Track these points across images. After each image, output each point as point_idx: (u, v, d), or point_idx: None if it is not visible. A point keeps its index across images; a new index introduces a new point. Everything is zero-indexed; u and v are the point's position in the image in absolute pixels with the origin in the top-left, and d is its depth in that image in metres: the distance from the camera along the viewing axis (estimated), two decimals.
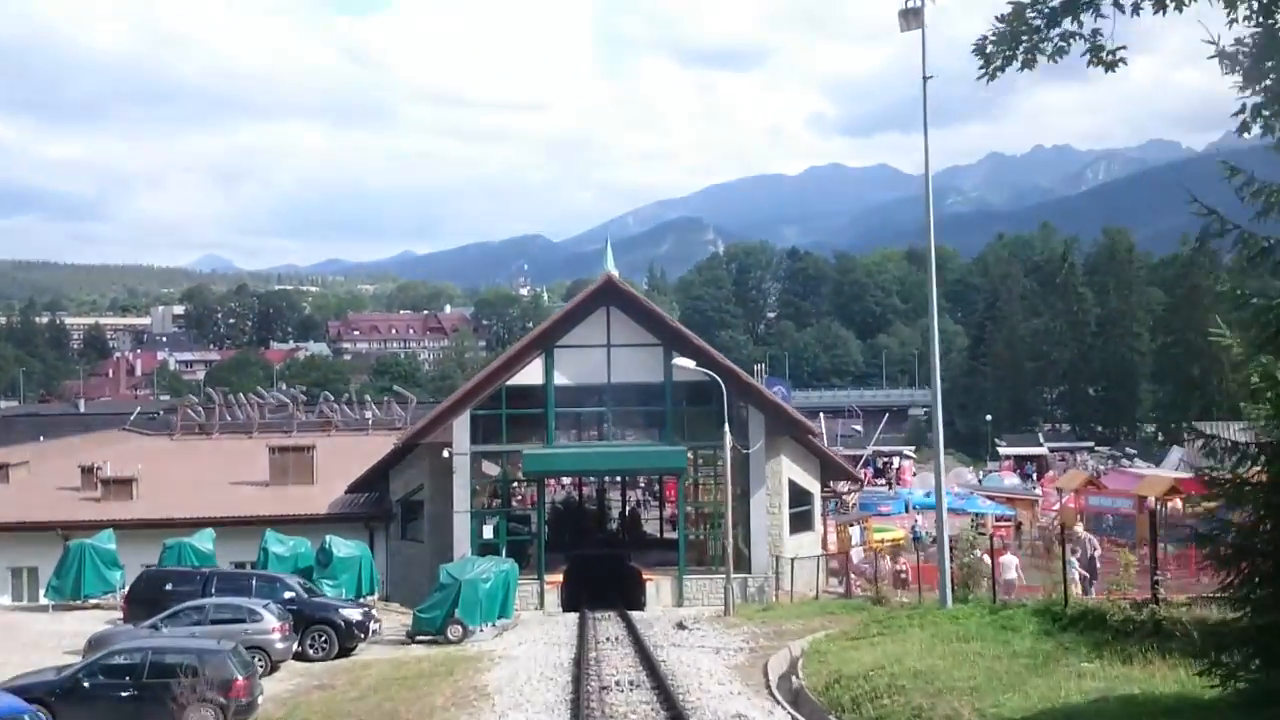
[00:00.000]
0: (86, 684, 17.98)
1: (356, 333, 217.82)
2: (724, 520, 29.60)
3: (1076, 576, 23.94)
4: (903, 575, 32.01)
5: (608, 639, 25.32)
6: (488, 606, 26.46)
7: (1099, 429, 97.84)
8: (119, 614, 27.65)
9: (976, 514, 49.18)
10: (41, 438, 60.68)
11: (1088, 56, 9.84)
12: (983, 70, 9.41)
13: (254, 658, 20.53)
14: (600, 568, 35.49)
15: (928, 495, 55.87)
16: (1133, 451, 75.84)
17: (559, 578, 33.01)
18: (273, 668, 22.33)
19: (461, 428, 32.48)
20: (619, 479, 47.62)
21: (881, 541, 44.10)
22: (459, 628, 25.95)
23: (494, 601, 26.66)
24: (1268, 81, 9.87)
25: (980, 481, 65.43)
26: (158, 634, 21.68)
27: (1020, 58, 9.67)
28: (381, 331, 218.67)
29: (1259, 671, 11.23)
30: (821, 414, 71.35)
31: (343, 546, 31.19)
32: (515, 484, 40.78)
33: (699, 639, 24.55)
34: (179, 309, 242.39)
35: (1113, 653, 15.42)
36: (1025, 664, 15.85)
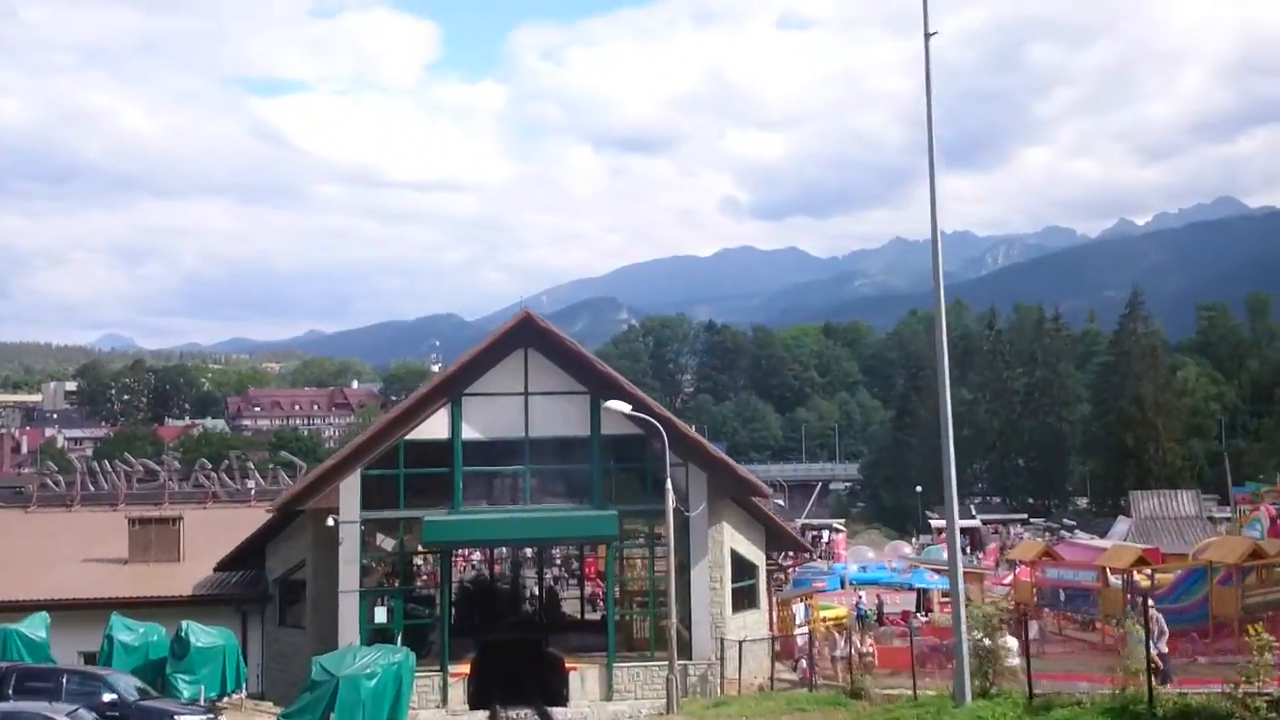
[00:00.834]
0: None
1: (257, 409, 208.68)
2: (666, 596, 25.01)
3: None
4: (869, 659, 27.69)
5: None
6: (373, 708, 21.41)
7: (1030, 501, 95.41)
8: None
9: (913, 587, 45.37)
10: None
11: None
12: None
13: None
14: (515, 655, 30.60)
15: (863, 569, 51.93)
16: (1071, 523, 73.17)
17: (466, 668, 28.04)
18: None
19: (350, 491, 27.52)
20: (533, 552, 42.67)
21: (825, 620, 39.96)
22: None
23: (381, 702, 21.62)
24: None
25: (918, 555, 61.68)
26: None
27: None
28: (284, 407, 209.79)
29: None
30: None
31: (203, 635, 25.94)
32: (417, 559, 35.66)
33: None
34: (71, 385, 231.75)
35: None
36: None
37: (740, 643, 27.88)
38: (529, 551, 51.83)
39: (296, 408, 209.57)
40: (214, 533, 35.30)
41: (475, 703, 27.31)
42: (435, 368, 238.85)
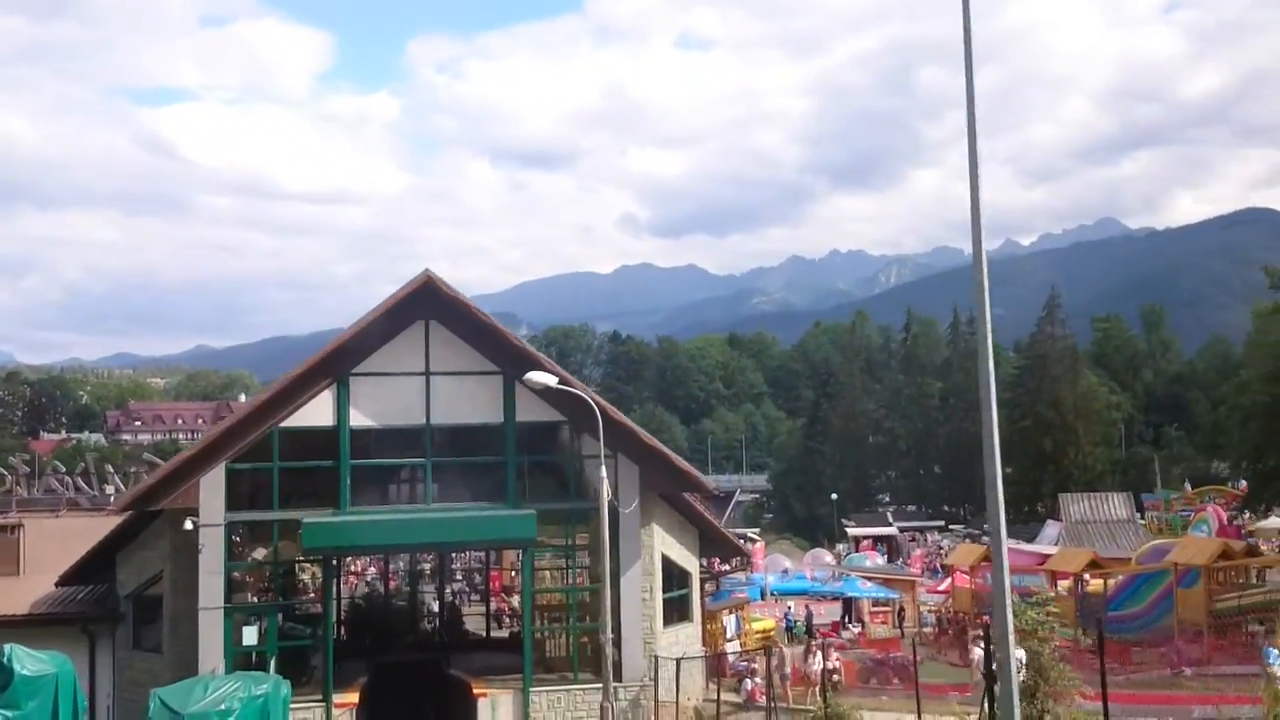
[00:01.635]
0: None
1: (138, 423, 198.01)
2: (590, 608, 21.18)
3: None
4: (836, 677, 24.18)
5: None
6: None
7: (946, 508, 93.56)
8: None
9: (853, 596, 42.24)
10: None
11: None
12: None
13: None
14: (413, 679, 26.40)
15: (783, 578, 48.57)
16: None
17: (355, 696, 23.78)
18: None
19: (213, 488, 23.00)
20: (431, 564, 38.32)
21: (756, 633, 36.58)
22: None
23: None
24: None
25: (839, 563, 58.83)
26: None
27: None
28: (166, 421, 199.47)
29: None
30: None
31: (30, 661, 20.85)
32: (303, 573, 31.18)
33: None
34: None
35: None
36: None
37: (678, 660, 24.08)
38: (427, 565, 47.47)
39: (180, 421, 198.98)
40: (64, 543, 30.19)
41: None
42: None
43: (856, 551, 64.20)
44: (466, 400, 24.39)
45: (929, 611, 40.74)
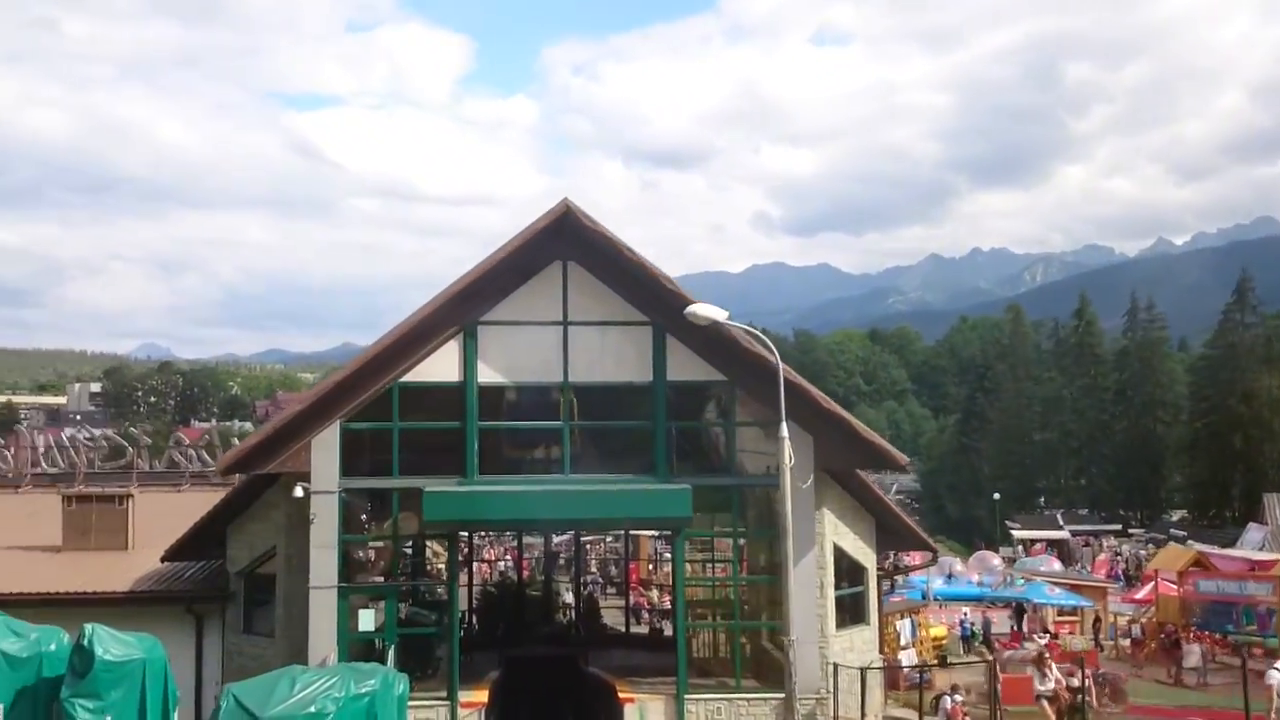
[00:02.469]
0: None
1: None
2: (784, 598, 17.34)
3: None
4: (1082, 695, 19.76)
5: None
6: None
7: (1121, 511, 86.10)
8: None
9: (1043, 604, 37.52)
10: None
11: None
12: None
13: None
14: (549, 678, 23.19)
15: (950, 581, 43.92)
16: (1181, 533, 64.47)
17: (483, 695, 20.62)
18: None
19: (326, 450, 20.09)
20: (566, 553, 35.14)
21: (932, 640, 32.41)
22: None
23: None
24: None
25: (1012, 566, 53.71)
26: None
27: None
28: None
29: None
30: None
31: (115, 645, 18.30)
32: (425, 547, 28.29)
33: None
34: (95, 387, 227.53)
35: None
36: None
37: (862, 670, 20.10)
38: (561, 555, 44.46)
39: None
40: (180, 518, 27.84)
41: None
42: None
43: (1027, 555, 58.84)
44: (610, 355, 20.90)
45: (1130, 622, 35.75)
